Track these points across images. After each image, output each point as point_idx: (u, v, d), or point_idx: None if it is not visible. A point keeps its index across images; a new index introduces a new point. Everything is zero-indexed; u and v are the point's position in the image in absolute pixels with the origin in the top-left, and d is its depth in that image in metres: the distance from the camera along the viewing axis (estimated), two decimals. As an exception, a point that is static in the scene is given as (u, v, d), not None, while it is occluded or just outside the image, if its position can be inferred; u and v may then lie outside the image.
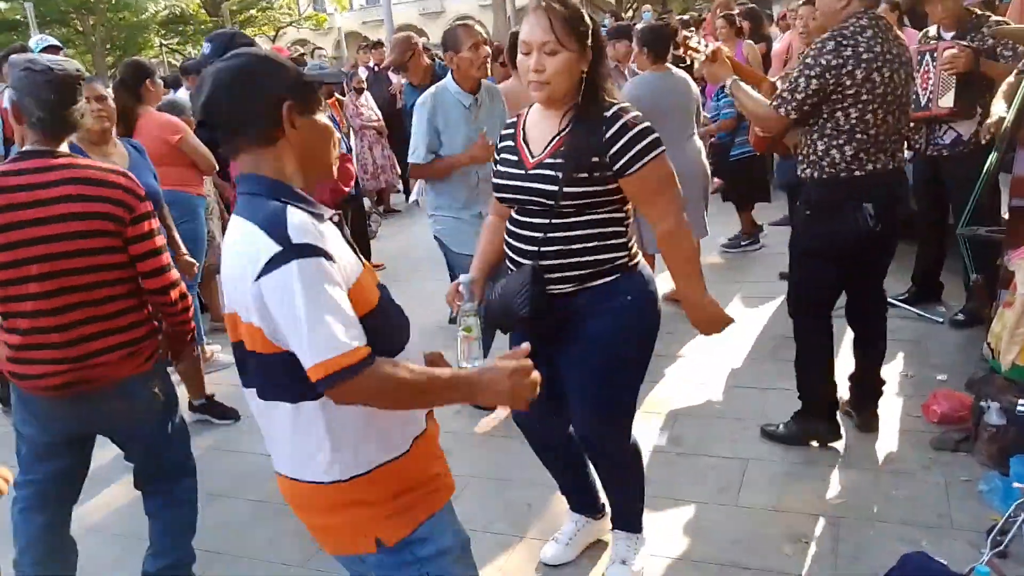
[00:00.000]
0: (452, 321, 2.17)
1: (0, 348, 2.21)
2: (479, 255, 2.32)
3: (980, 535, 2.39)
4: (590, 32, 1.99)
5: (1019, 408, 2.65)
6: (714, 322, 2.19)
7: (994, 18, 3.68)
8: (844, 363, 3.16)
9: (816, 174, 2.77)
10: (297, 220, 1.33)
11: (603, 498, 2.55)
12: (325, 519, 1.52)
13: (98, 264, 2.12)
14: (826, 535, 2.53)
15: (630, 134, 1.98)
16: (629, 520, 2.46)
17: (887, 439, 3.02)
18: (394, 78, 8.95)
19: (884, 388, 3.13)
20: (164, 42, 25.30)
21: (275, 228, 1.31)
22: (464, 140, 3.42)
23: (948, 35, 3.71)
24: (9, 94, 2.15)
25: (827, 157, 2.73)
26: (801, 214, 2.94)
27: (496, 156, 2.24)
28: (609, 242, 2.07)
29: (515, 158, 2.13)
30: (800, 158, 2.86)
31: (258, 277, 1.30)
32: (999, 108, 3.23)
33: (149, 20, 24.80)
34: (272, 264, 1.29)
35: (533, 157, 2.09)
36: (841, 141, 2.69)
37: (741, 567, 2.43)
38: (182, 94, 5.31)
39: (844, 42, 2.63)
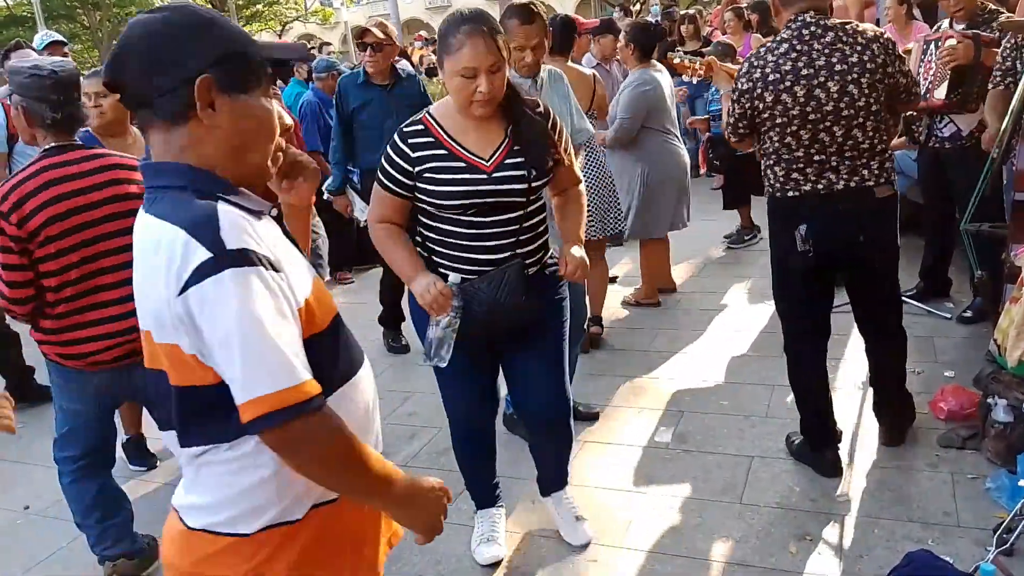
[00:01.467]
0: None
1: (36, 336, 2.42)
2: (413, 258, 2.24)
3: (987, 533, 2.37)
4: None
5: (1027, 405, 2.63)
6: (584, 266, 2.24)
7: (1005, 15, 3.64)
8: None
9: (765, 190, 2.74)
10: (230, 220, 1.09)
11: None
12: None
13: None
14: (831, 533, 2.52)
15: (559, 125, 2.26)
16: (565, 477, 2.68)
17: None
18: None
19: (909, 411, 2.95)
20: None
21: (203, 230, 1.06)
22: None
23: (960, 27, 3.67)
24: (16, 100, 2.28)
25: (767, 177, 2.69)
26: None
27: (403, 166, 2.16)
28: (546, 223, 2.35)
29: (460, 164, 2.14)
30: None
31: (183, 290, 1.05)
32: (994, 123, 3.20)
33: (155, 15, 24.84)
34: (200, 273, 1.04)
35: (487, 161, 2.14)
36: (771, 162, 2.64)
37: (746, 565, 2.42)
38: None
39: (756, 63, 2.55)
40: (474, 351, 2.32)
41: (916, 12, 5.18)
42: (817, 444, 2.85)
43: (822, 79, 2.48)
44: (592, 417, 3.40)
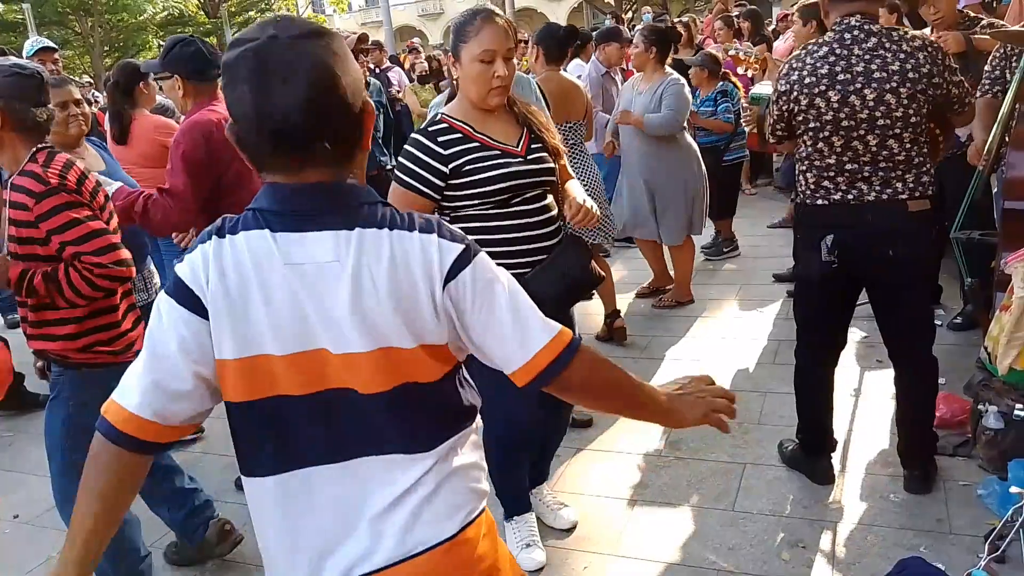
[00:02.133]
0: None
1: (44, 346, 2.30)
2: None
3: (978, 540, 2.38)
4: None
5: (1017, 412, 2.64)
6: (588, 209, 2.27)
7: (986, 20, 3.68)
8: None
9: (795, 196, 2.71)
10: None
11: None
12: (496, 563, 1.25)
13: None
14: (824, 540, 2.52)
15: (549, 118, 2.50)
16: (545, 473, 2.84)
17: (885, 443, 3.01)
18: (394, 78, 8.96)
19: (933, 444, 2.80)
20: (162, 44, 25.29)
21: (441, 228, 1.15)
22: None
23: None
24: None
25: (798, 183, 2.65)
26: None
27: (435, 166, 2.18)
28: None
29: (495, 153, 2.21)
30: None
31: (446, 282, 1.13)
32: (980, 135, 3.21)
33: (147, 22, 24.80)
34: (459, 266, 1.13)
35: (517, 147, 2.25)
36: (804, 167, 2.59)
37: (739, 572, 2.42)
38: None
39: (796, 65, 2.50)
40: None
41: (904, 21, 5.22)
42: (813, 451, 2.85)
43: (858, 85, 2.39)
44: (585, 424, 3.40)
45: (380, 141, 5.44)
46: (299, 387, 1.12)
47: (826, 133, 2.46)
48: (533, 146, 2.27)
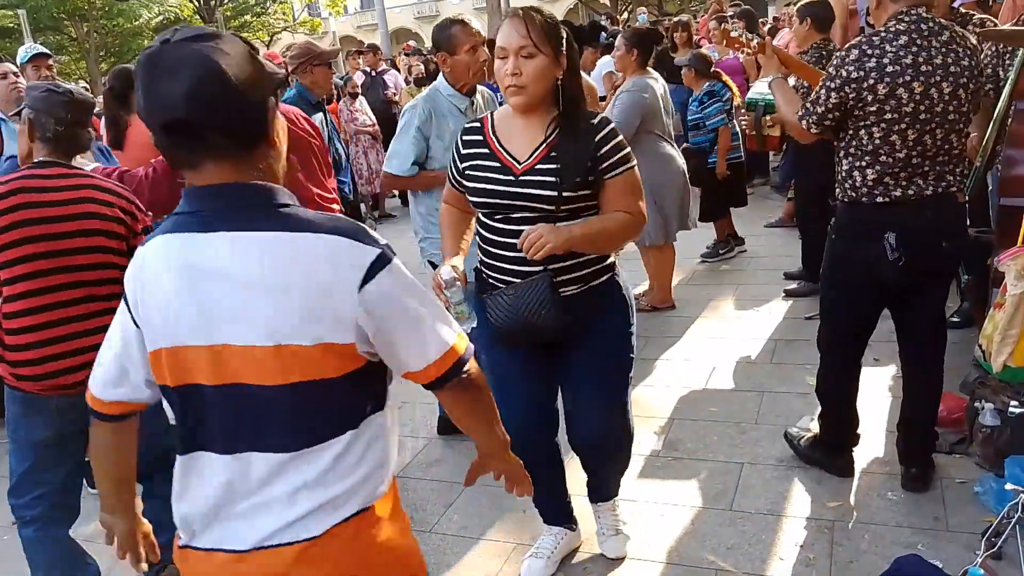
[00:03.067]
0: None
1: None
2: (453, 240, 2.29)
3: (975, 537, 2.39)
4: (565, 41, 2.06)
5: (1012, 409, 2.65)
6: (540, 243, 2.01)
7: (977, 17, 3.68)
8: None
9: (842, 196, 2.56)
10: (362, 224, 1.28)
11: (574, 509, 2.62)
12: (398, 538, 1.33)
13: (110, 262, 2.31)
14: (822, 539, 2.53)
15: (615, 141, 2.09)
16: (613, 490, 2.57)
17: (882, 441, 3.02)
18: (390, 80, 8.97)
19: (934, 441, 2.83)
20: (159, 48, 25.25)
21: (359, 233, 1.20)
22: None
23: None
24: (25, 114, 2.31)
25: (849, 179, 2.50)
26: (828, 239, 2.69)
27: (458, 162, 2.22)
28: None
29: (495, 164, 2.13)
30: (835, 176, 2.63)
31: (362, 285, 1.17)
32: (973, 131, 3.21)
33: (143, 26, 24.74)
34: (374, 270, 1.19)
35: (520, 163, 2.10)
36: (864, 163, 2.45)
37: (737, 572, 2.43)
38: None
39: (869, 51, 2.36)
40: (524, 357, 2.25)
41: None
42: (838, 446, 2.85)
43: (938, 78, 2.34)
44: None
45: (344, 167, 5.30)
46: (206, 378, 1.21)
47: (903, 126, 2.37)
48: (540, 166, 2.06)
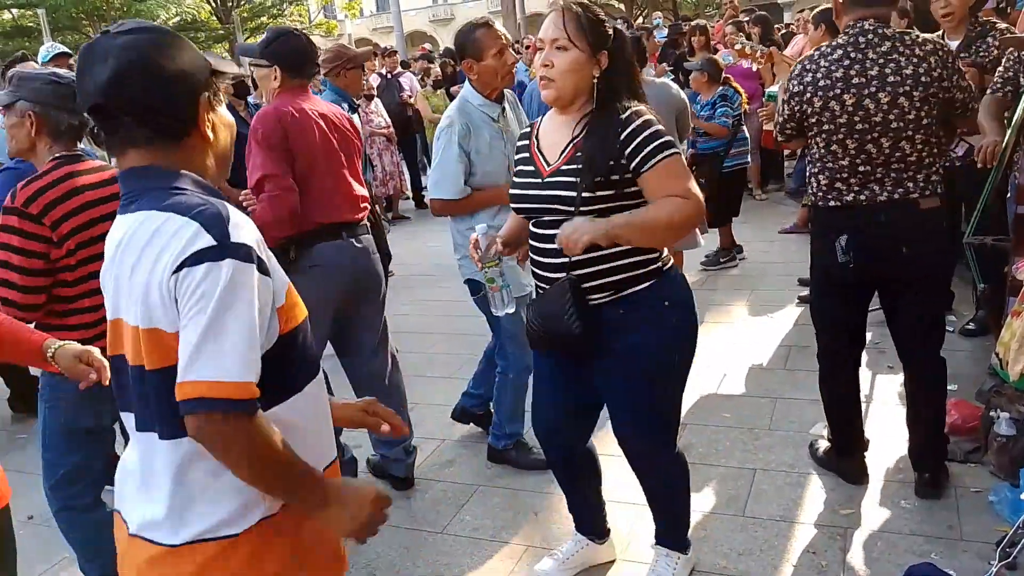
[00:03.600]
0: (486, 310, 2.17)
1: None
2: (508, 227, 2.31)
3: (990, 546, 2.37)
4: (609, 39, 1.99)
5: (1029, 419, 2.63)
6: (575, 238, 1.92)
7: (1001, 26, 3.67)
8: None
9: (808, 200, 2.74)
10: (240, 218, 1.18)
11: (610, 523, 2.56)
12: None
13: None
14: (835, 546, 2.52)
15: (645, 133, 1.95)
16: (673, 537, 2.39)
17: (896, 449, 3.00)
18: (405, 83, 9.01)
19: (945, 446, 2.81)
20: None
21: (212, 221, 1.13)
22: (501, 159, 2.89)
23: (953, 43, 3.70)
24: (24, 107, 2.21)
25: (810, 184, 2.65)
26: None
27: (513, 167, 2.24)
28: (625, 248, 2.01)
29: (531, 168, 2.12)
30: None
31: (178, 268, 1.11)
32: (989, 131, 3.19)
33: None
34: (199, 258, 1.10)
35: (549, 165, 2.08)
36: (816, 169, 2.60)
37: (749, 578, 2.42)
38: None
39: (809, 67, 2.50)
40: (556, 363, 2.23)
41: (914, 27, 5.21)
42: (846, 451, 2.86)
43: (873, 89, 2.41)
44: None
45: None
46: (111, 349, 1.29)
47: (840, 136, 2.47)
48: (565, 167, 2.02)
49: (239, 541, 1.21)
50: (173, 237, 1.13)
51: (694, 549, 2.47)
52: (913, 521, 2.59)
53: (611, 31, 2.01)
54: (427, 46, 14.27)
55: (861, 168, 2.49)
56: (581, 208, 1.97)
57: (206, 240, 1.12)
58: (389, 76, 8.96)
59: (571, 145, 2.03)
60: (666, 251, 2.15)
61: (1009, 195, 3.25)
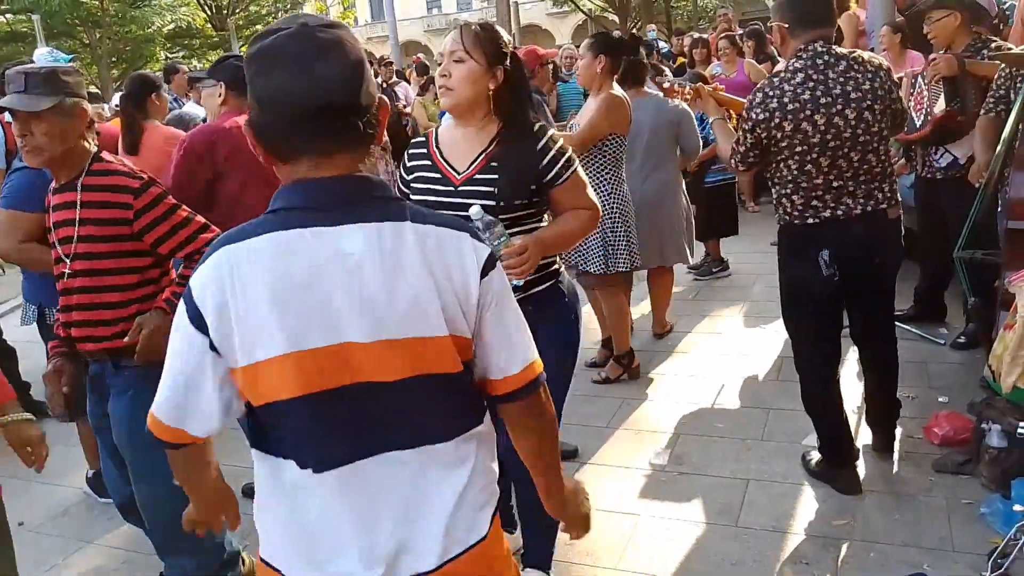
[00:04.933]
0: None
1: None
2: None
3: (981, 558, 2.39)
4: (506, 56, 2.09)
5: (1020, 431, 2.65)
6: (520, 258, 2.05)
7: (996, 43, 3.71)
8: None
9: (778, 219, 2.75)
10: None
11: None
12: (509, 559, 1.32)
13: None
14: (827, 557, 2.52)
15: (555, 148, 2.11)
16: (545, 557, 2.42)
17: (889, 461, 3.02)
18: (400, 93, 9.03)
19: (899, 410, 3.06)
20: (170, 56, 25.41)
21: (468, 227, 1.22)
22: None
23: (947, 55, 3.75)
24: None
25: (780, 206, 2.70)
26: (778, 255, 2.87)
27: (403, 176, 2.26)
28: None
29: (436, 175, 2.17)
30: None
31: (481, 277, 1.18)
32: (982, 154, 3.27)
33: (155, 34, 24.92)
34: (489, 264, 1.20)
35: (459, 173, 2.14)
36: (788, 190, 2.63)
37: (742, 588, 2.43)
38: (190, 107, 5.35)
39: (771, 93, 2.53)
40: None
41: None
42: (837, 462, 2.88)
43: (840, 107, 2.50)
44: (570, 455, 3.26)
45: None
46: (324, 382, 1.12)
47: (814, 155, 2.55)
48: (479, 176, 2.09)
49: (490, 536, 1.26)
50: (457, 249, 1.17)
51: (688, 561, 2.47)
52: (906, 532, 2.60)
53: (506, 49, 2.11)
54: (420, 56, 14.32)
55: (835, 183, 2.58)
56: (500, 217, 2.05)
57: (483, 247, 1.20)
58: (384, 86, 8.98)
59: (483, 155, 2.12)
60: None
61: (1000, 209, 3.28)
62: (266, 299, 1.08)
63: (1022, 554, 2.31)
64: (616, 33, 4.18)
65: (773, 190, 2.73)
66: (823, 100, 2.50)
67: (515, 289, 1.98)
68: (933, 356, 3.91)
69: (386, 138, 7.83)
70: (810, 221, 2.63)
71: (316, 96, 1.08)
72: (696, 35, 8.36)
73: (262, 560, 1.24)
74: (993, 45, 3.66)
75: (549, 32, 35.70)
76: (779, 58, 7.23)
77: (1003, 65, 3.38)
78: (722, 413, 3.59)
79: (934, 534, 2.57)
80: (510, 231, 2.07)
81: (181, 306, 1.13)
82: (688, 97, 3.02)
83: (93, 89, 16.20)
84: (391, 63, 9.99)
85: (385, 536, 1.17)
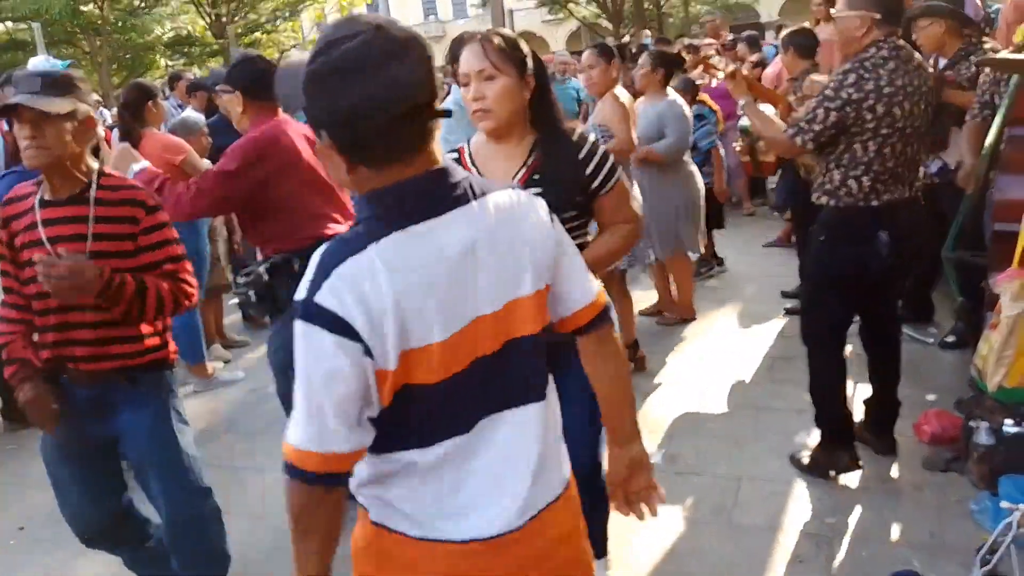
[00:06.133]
0: None
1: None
2: None
3: (970, 554, 2.40)
4: (529, 61, 1.98)
5: (1007, 429, 2.68)
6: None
7: (988, 45, 3.75)
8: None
9: (833, 202, 2.76)
10: None
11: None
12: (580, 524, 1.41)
13: None
14: (819, 555, 2.55)
15: (599, 155, 2.05)
16: (603, 545, 2.43)
17: (879, 459, 3.04)
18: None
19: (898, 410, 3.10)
20: (170, 63, 25.49)
21: (519, 189, 1.31)
22: None
23: (943, 63, 3.79)
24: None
25: (844, 187, 2.71)
26: (815, 241, 2.88)
27: None
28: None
29: None
30: (816, 184, 2.83)
31: (552, 224, 1.29)
32: (969, 158, 3.32)
33: (155, 41, 24.99)
34: (552, 209, 1.31)
35: None
36: (859, 172, 2.67)
37: (734, 586, 2.46)
38: (191, 112, 5.38)
39: (866, 75, 2.58)
40: None
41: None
42: (841, 441, 2.97)
43: (916, 98, 2.64)
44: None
45: None
46: (460, 363, 1.19)
47: (894, 140, 2.64)
48: (525, 187, 1.96)
49: None
50: (530, 207, 1.26)
51: (681, 559, 2.51)
52: (896, 529, 2.63)
53: (527, 52, 2.00)
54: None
55: (898, 169, 2.69)
56: None
57: (540, 199, 1.29)
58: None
59: (524, 168, 2.03)
60: None
61: (986, 211, 3.32)
62: (406, 296, 1.11)
63: (1010, 550, 2.33)
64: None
65: (834, 172, 2.72)
66: (908, 89, 2.61)
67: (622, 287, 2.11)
68: (922, 355, 3.94)
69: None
70: (873, 203, 2.70)
71: (404, 97, 1.10)
72: (687, 41, 8.42)
73: (383, 526, 1.25)
74: (987, 46, 3.69)
75: (543, 39, 35.76)
76: (768, 60, 7.28)
77: (987, 70, 3.41)
78: (715, 413, 3.62)
79: (924, 531, 2.60)
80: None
81: (310, 329, 1.10)
82: (722, 73, 3.04)
83: (94, 97, 16.24)
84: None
85: (522, 485, 1.25)
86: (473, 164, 2.10)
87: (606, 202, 2.08)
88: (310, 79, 1.10)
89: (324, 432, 1.12)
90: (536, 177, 2.00)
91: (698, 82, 5.89)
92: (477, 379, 1.19)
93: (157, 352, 2.21)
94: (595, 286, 1.38)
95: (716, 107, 5.67)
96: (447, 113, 1.19)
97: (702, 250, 4.90)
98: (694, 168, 4.67)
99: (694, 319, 4.82)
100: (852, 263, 2.77)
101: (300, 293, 1.12)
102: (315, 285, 1.10)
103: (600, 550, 2.40)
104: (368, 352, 1.10)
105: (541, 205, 1.28)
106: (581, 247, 2.09)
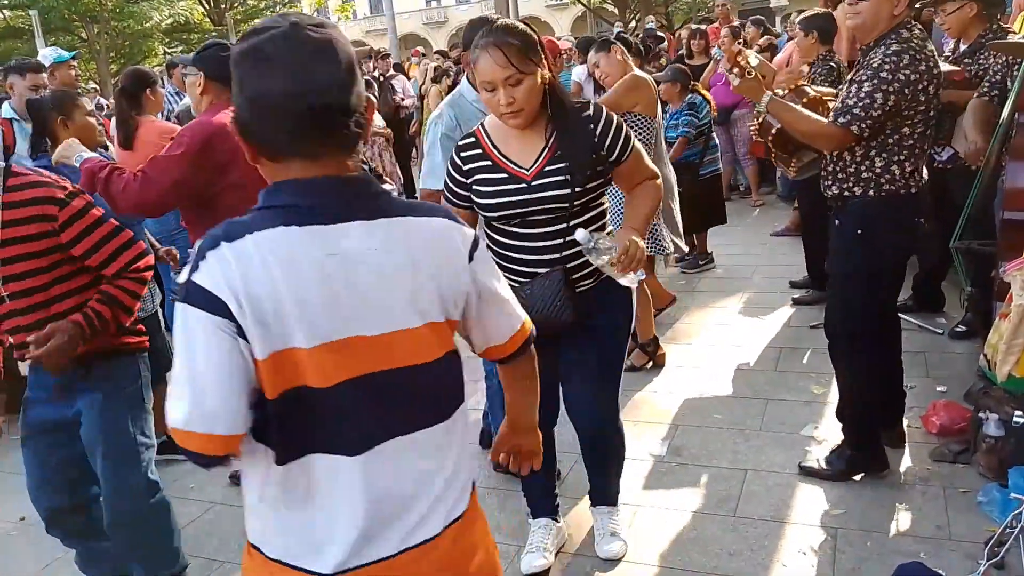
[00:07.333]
0: None
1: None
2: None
3: (978, 546, 2.39)
4: (539, 46, 2.08)
5: (1016, 419, 2.66)
6: (636, 254, 2.11)
7: (1011, 30, 3.68)
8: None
9: (872, 191, 2.62)
10: None
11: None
12: (486, 551, 1.36)
13: None
14: (825, 546, 2.54)
15: (614, 125, 2.18)
16: (612, 495, 2.65)
17: (887, 451, 3.01)
18: (398, 86, 9.02)
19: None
20: (168, 50, 25.39)
21: (451, 215, 1.27)
22: None
23: (963, 48, 3.73)
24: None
25: (887, 174, 2.60)
26: (849, 233, 2.70)
27: (458, 178, 2.23)
28: (607, 232, 2.26)
29: (503, 175, 2.17)
30: (836, 174, 2.70)
31: (470, 260, 1.25)
32: (975, 134, 3.26)
33: (153, 28, 24.91)
34: (476, 244, 1.27)
35: (527, 170, 2.15)
36: (902, 157, 2.58)
37: (740, 578, 2.44)
38: (189, 100, 5.34)
39: (918, 56, 2.49)
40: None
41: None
42: (891, 420, 2.98)
43: (939, 80, 2.62)
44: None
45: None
46: (367, 367, 1.15)
47: (932, 120, 2.63)
48: (548, 168, 2.14)
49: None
50: (448, 236, 1.23)
51: (686, 551, 2.50)
52: (903, 521, 2.61)
53: (536, 38, 2.09)
54: (419, 49, 14.29)
55: (926, 152, 2.70)
56: (575, 203, 2.15)
57: (468, 231, 1.27)
58: (382, 79, 8.98)
59: (547, 149, 2.16)
60: None
61: (996, 199, 3.28)
62: (280, 291, 1.08)
63: (1018, 542, 2.31)
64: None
65: (876, 159, 2.60)
66: (936, 71, 2.56)
67: (639, 283, 2.25)
68: (931, 346, 3.92)
69: (389, 130, 7.85)
70: (913, 190, 2.64)
71: (309, 97, 1.08)
72: (694, 26, 8.36)
73: (269, 558, 1.20)
74: (1011, 35, 3.62)
75: (548, 24, 35.61)
76: (779, 48, 7.22)
77: (997, 53, 3.36)
78: (720, 404, 3.59)
79: (931, 523, 2.58)
80: (588, 214, 2.19)
81: (187, 309, 1.08)
82: (750, 75, 2.74)
83: (92, 85, 16.19)
84: (388, 56, 9.96)
85: (400, 510, 1.21)
86: (494, 147, 2.21)
87: (625, 169, 2.23)
88: (232, 60, 1.12)
89: (204, 413, 1.08)
90: (558, 154, 2.14)
91: (717, 56, 5.80)
92: (369, 396, 1.15)
93: (114, 339, 2.24)
94: (516, 322, 1.36)
95: (709, 96, 5.60)
96: (359, 135, 1.16)
97: (685, 249, 4.74)
98: (670, 172, 4.33)
99: (674, 301, 4.75)
100: (893, 253, 2.71)
101: (182, 276, 1.12)
102: (193, 267, 1.10)
103: (612, 499, 2.66)
104: (242, 333, 1.08)
105: (464, 239, 1.24)
106: (599, 214, 2.24)
